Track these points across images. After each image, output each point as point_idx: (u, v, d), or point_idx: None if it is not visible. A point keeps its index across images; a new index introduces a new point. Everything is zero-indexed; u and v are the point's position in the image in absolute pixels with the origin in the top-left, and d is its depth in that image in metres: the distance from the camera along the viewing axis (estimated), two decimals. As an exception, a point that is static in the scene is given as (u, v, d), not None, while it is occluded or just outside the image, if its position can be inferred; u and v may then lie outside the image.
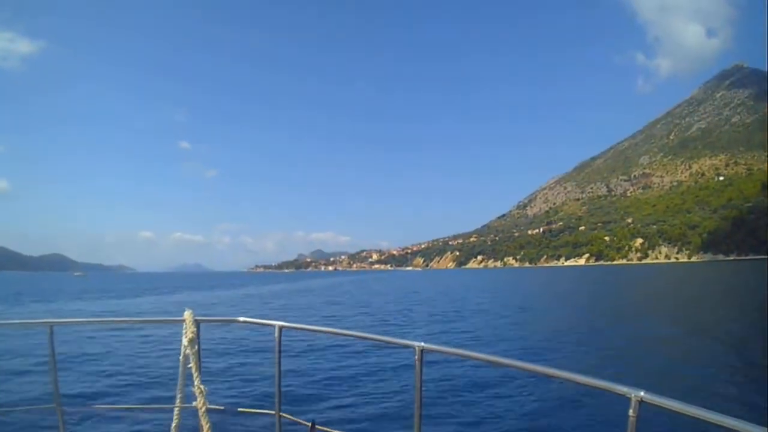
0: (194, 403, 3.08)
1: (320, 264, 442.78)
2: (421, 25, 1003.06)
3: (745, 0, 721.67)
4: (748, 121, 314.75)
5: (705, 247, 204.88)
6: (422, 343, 2.63)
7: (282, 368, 3.22)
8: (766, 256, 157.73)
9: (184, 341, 3.11)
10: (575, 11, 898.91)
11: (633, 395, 1.77)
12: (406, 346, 2.68)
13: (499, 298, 47.55)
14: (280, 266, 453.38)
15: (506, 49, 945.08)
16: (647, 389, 1.78)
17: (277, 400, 3.28)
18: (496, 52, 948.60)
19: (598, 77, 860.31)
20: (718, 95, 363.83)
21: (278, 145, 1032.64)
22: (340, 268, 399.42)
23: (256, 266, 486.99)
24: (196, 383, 3.04)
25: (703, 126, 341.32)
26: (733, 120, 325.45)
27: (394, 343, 2.83)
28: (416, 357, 2.67)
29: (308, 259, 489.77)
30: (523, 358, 13.02)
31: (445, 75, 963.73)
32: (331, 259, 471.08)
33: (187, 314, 3.20)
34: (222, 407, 3.56)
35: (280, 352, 3.24)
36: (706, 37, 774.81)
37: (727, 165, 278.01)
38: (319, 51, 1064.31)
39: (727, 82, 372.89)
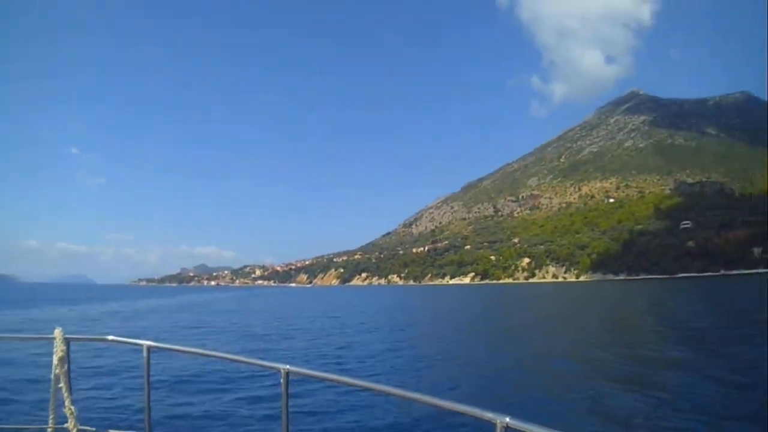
0: (66, 424, 3.59)
1: (203, 278, 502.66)
2: (305, 40, 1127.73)
3: (647, 28, 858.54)
4: (641, 145, 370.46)
5: (594, 267, 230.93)
6: (288, 366, 3.05)
7: (152, 388, 3.78)
8: (658, 276, 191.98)
9: (54, 360, 3.56)
10: (474, 31, 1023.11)
11: (498, 421, 2.06)
12: (272, 369, 3.11)
13: (379, 317, 56.07)
14: (163, 280, 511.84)
15: (399, 68, 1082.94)
16: (513, 415, 2.08)
17: (146, 421, 3.83)
18: (390, 72, 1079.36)
19: (492, 99, 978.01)
20: (612, 120, 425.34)
21: (165, 156, 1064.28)
22: (223, 284, 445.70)
23: (139, 279, 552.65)
24: (66, 404, 3.51)
25: (595, 150, 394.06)
26: (626, 144, 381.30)
27: (259, 366, 3.37)
28: (282, 380, 3.08)
29: (191, 274, 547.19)
30: (392, 381, 20.38)
31: (335, 93, 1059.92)
32: (215, 274, 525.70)
33: (57, 332, 3.69)
34: (93, 429, 4.12)
35: (149, 372, 3.77)
36: (604, 63, 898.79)
37: (618, 188, 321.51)
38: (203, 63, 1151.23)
39: (623, 107, 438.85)
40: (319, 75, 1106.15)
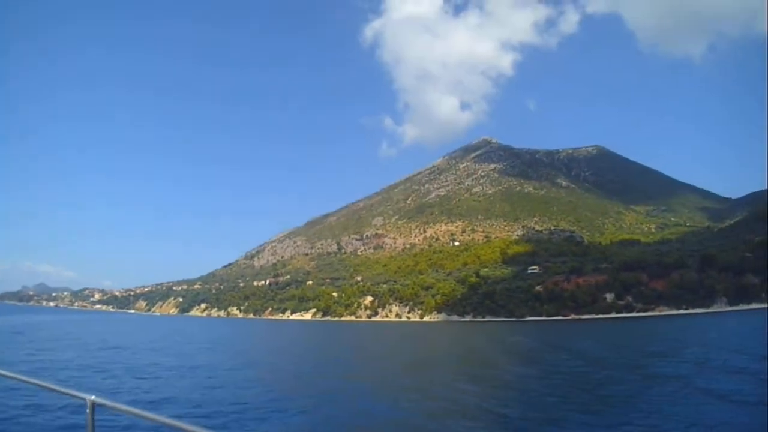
0: None
1: (42, 299, 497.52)
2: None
3: (507, 78, 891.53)
4: (490, 192, 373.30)
5: (439, 308, 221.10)
6: (94, 396, 2.72)
7: None
8: (505, 319, 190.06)
9: None
10: (333, 69, 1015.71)
11: None
12: (77, 398, 2.80)
13: (203, 351, 58.22)
14: (2, 297, 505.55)
15: (253, 97, 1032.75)
16: None
17: None
18: (243, 100, 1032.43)
19: (343, 137, 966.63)
20: (461, 166, 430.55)
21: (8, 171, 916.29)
22: (62, 305, 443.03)
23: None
24: None
25: (443, 193, 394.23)
26: (475, 190, 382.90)
27: (63, 393, 2.97)
28: (88, 410, 2.76)
29: (31, 293, 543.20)
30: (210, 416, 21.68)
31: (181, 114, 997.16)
32: (54, 294, 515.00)
33: None
34: None
35: None
36: (459, 109, 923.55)
37: (464, 231, 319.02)
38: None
39: (474, 154, 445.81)
40: (165, 95, 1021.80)
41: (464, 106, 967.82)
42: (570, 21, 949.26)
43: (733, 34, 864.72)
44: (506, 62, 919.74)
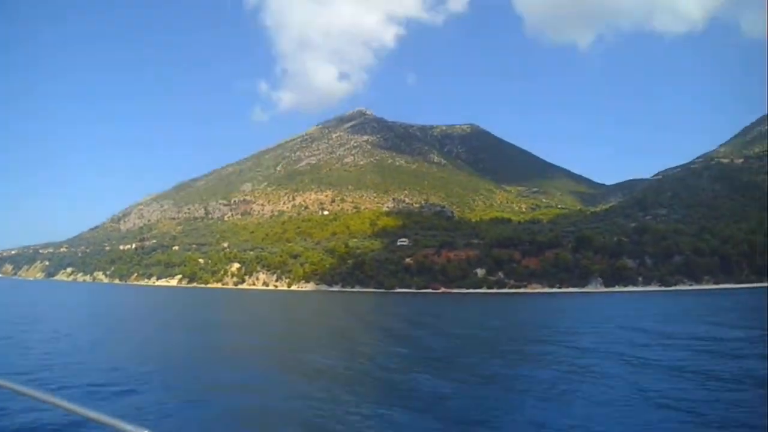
0: None
1: None
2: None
3: (389, 51, 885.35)
4: (361, 162, 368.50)
5: (308, 276, 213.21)
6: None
7: None
8: (374, 290, 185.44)
9: None
10: (207, 29, 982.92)
11: None
12: None
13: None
14: None
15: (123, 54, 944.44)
16: (153, 428, 1.94)
17: None
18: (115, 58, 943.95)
19: (216, 99, 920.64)
20: (335, 135, 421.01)
21: None
22: None
23: None
24: None
25: (314, 162, 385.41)
26: (346, 160, 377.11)
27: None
28: None
29: None
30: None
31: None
32: None
33: None
34: None
35: None
36: (337, 78, 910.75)
37: (333, 201, 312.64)
38: None
39: (348, 125, 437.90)
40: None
41: (343, 76, 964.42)
42: (460, 0, 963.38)
43: (624, 28, 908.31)
44: (390, 35, 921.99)
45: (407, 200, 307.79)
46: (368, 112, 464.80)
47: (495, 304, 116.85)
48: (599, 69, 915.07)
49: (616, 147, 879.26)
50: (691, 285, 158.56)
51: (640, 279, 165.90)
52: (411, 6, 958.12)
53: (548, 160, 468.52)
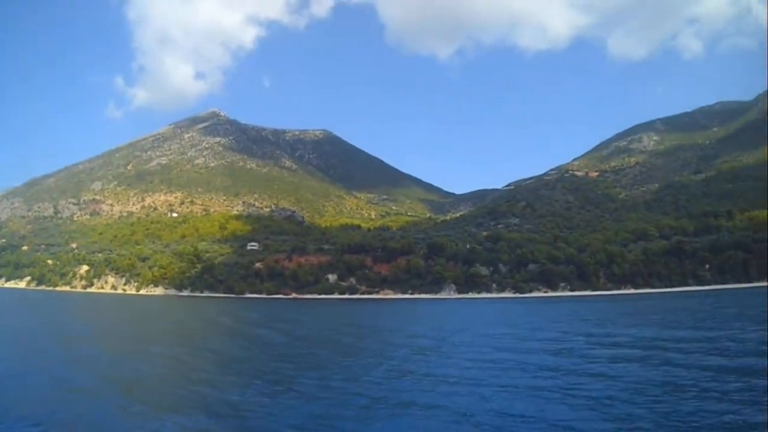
0: None
1: None
2: None
3: (247, 52, 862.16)
4: (212, 164, 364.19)
5: (156, 280, 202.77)
6: None
7: None
8: (224, 295, 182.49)
9: None
10: (65, 20, 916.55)
11: None
12: None
13: None
14: None
15: None
16: None
17: None
18: None
19: (69, 91, 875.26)
20: (186, 136, 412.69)
21: None
22: None
23: None
24: None
25: (164, 162, 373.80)
26: (197, 161, 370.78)
27: None
28: None
29: None
30: None
31: None
32: None
33: None
34: None
35: None
36: (193, 78, 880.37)
37: (182, 203, 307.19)
38: None
39: (200, 125, 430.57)
40: None
41: (199, 75, 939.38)
42: (324, 5, 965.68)
43: (486, 42, 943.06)
44: (250, 36, 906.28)
45: (257, 204, 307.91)
46: (222, 114, 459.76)
47: (341, 309, 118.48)
48: (458, 81, 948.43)
49: (468, 157, 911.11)
50: (546, 292, 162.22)
51: (494, 286, 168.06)
52: (274, 8, 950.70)
53: (400, 168, 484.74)
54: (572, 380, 29.07)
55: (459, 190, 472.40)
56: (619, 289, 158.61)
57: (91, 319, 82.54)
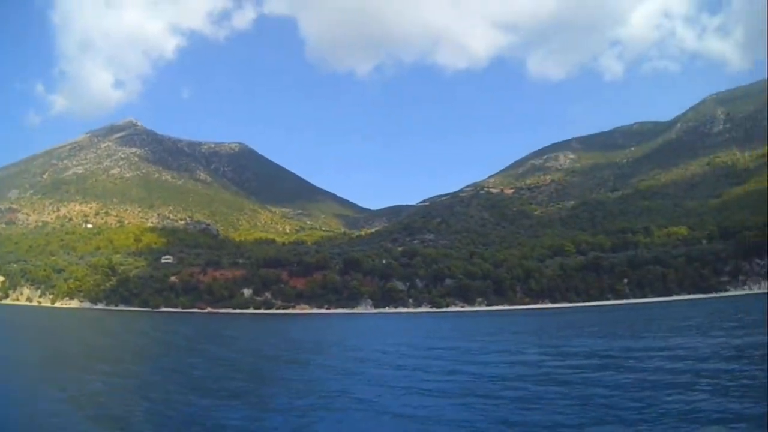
0: None
1: None
2: None
3: (167, 62, 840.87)
4: (128, 175, 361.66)
5: (71, 293, 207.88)
6: None
7: None
8: (138, 308, 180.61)
9: None
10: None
11: None
12: None
13: None
14: None
15: None
16: None
17: None
18: None
19: None
20: (103, 145, 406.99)
21: None
22: None
23: None
24: None
25: (80, 171, 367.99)
26: (113, 172, 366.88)
27: None
28: None
29: None
30: None
31: None
32: None
33: None
34: None
35: None
36: (112, 86, 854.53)
37: (97, 213, 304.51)
38: None
39: (117, 135, 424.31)
40: None
41: (119, 83, 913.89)
42: (246, 17, 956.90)
43: (406, 60, 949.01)
44: (171, 46, 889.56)
45: (172, 216, 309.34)
46: (138, 124, 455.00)
47: (265, 324, 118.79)
48: (376, 98, 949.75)
49: (384, 173, 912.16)
50: (463, 307, 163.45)
51: (411, 301, 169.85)
52: (196, 18, 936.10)
53: (315, 183, 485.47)
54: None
55: (374, 205, 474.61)
56: (537, 303, 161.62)
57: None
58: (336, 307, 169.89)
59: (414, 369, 40.16)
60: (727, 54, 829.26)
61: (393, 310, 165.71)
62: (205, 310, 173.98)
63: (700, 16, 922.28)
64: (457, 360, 45.90)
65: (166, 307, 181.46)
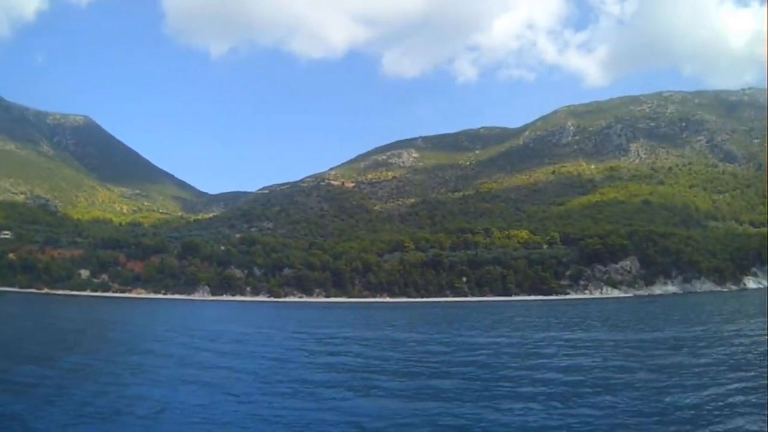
0: None
1: None
2: None
3: (21, 24, 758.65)
4: None
5: None
6: None
7: None
8: None
9: None
10: None
11: None
12: None
13: None
14: None
15: None
16: None
17: None
18: None
19: None
20: None
21: None
22: None
23: None
24: None
25: None
26: None
27: None
28: None
29: None
30: None
31: None
32: None
33: None
34: None
35: None
36: None
37: None
38: None
39: None
40: None
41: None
42: None
43: (262, 44, 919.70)
44: (32, 7, 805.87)
45: (12, 190, 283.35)
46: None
47: (123, 308, 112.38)
48: (227, 79, 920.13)
49: (225, 156, 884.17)
50: (301, 297, 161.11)
51: (248, 289, 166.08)
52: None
53: (157, 163, 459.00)
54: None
55: (212, 189, 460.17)
56: (375, 297, 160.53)
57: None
58: (173, 293, 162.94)
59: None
60: (586, 70, 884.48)
61: (230, 297, 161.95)
62: (43, 291, 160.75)
63: (564, 31, 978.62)
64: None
65: (2, 286, 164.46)
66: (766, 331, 47.83)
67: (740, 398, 21.85)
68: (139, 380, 28.37)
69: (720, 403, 21.10)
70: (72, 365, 33.24)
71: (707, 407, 20.67)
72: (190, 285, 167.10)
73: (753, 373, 27.58)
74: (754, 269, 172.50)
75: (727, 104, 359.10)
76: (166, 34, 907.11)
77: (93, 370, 32.14)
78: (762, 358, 33.01)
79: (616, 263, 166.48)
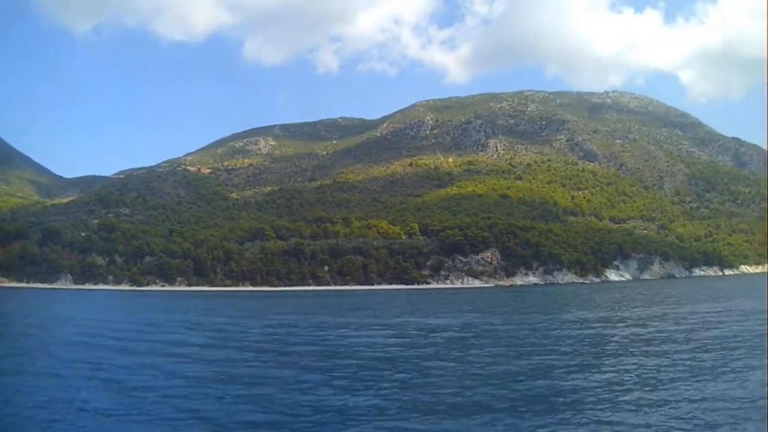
0: None
1: None
2: None
3: None
4: None
5: None
6: None
7: None
8: None
9: None
10: None
11: None
12: None
13: None
14: None
15: None
16: None
17: None
18: None
19: None
20: None
21: None
22: None
23: None
24: None
25: None
26: None
27: None
28: None
29: None
30: None
31: None
32: None
33: None
34: None
35: None
36: None
37: None
38: None
39: None
40: None
41: None
42: None
43: (126, 24, 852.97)
44: None
45: None
46: None
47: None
48: (89, 59, 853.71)
49: (81, 138, 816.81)
50: (163, 286, 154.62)
51: (111, 277, 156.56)
52: None
53: (16, 146, 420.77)
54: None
55: (68, 173, 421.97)
56: (237, 286, 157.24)
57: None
58: (35, 281, 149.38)
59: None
60: (448, 66, 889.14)
61: (93, 286, 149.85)
62: None
63: (429, 27, 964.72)
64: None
65: None
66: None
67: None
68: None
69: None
70: None
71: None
72: (52, 273, 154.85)
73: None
74: (616, 262, 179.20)
75: (589, 105, 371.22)
76: (33, 9, 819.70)
77: None
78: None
79: (477, 255, 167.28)
